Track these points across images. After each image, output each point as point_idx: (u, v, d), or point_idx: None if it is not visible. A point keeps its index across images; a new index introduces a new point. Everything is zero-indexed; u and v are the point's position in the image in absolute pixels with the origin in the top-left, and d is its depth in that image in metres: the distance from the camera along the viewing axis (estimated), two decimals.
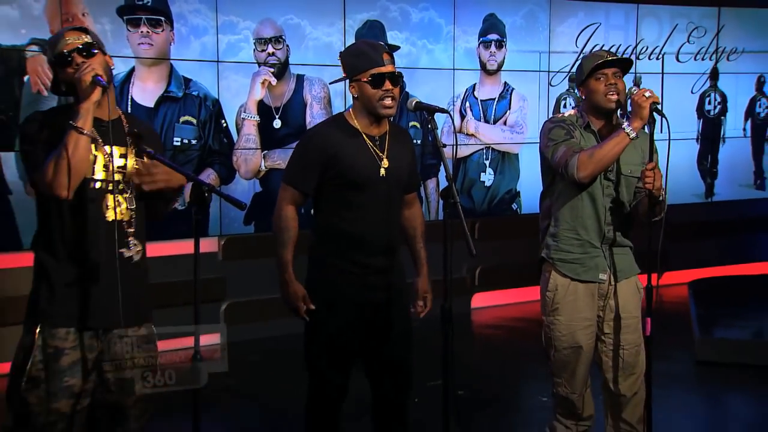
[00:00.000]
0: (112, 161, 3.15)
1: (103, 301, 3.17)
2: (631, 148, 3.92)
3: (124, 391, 3.25)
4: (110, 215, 3.16)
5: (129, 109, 6.48)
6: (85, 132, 3.00)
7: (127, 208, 3.21)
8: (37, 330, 3.14)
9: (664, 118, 3.89)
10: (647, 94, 3.84)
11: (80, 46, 3.14)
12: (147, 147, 3.18)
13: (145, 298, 3.33)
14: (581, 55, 8.42)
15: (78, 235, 3.15)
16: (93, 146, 3.11)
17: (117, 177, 3.18)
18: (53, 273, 3.18)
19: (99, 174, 3.15)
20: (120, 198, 3.19)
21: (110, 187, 3.16)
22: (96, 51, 3.16)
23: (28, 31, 6.00)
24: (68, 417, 3.16)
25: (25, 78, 5.97)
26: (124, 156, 3.21)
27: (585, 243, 4.06)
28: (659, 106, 3.87)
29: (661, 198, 3.87)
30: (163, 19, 6.60)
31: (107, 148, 3.14)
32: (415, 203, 4.06)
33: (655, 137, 4.00)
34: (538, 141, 4.12)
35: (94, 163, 3.13)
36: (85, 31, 3.25)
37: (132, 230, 3.22)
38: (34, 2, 6.08)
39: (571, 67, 8.49)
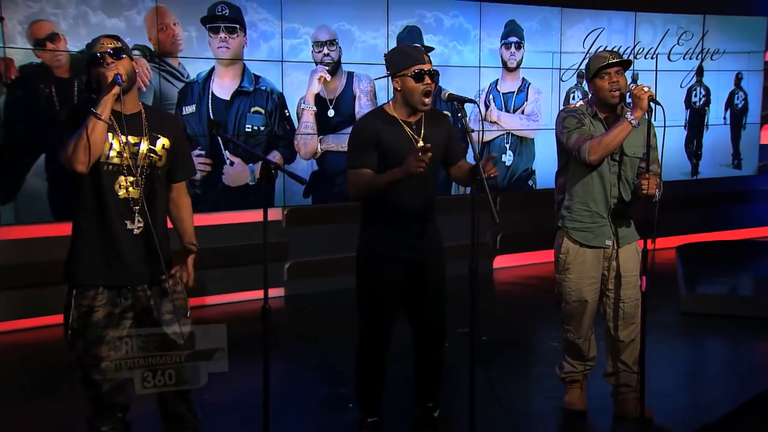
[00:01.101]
0: (127, 148, 3.17)
1: (116, 264, 3.19)
2: (633, 132, 3.93)
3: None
4: (122, 193, 3.18)
5: (209, 101, 6.52)
6: (102, 118, 3.02)
7: (135, 188, 3.20)
8: (71, 292, 3.20)
9: (660, 107, 3.90)
10: (645, 88, 3.88)
11: (110, 50, 3.15)
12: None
13: (153, 262, 3.25)
14: (588, 55, 8.38)
15: (96, 209, 3.18)
16: (111, 134, 3.12)
17: (128, 162, 3.19)
18: (79, 241, 3.23)
19: (113, 157, 3.16)
20: (130, 179, 3.19)
21: (122, 170, 3.18)
22: (123, 55, 3.16)
23: (132, 38, 6.03)
24: (109, 360, 3.16)
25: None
26: (137, 144, 3.21)
27: (594, 214, 4.08)
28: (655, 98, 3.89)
29: (655, 200, 3.91)
30: (238, 26, 6.62)
31: (123, 137, 3.16)
32: (464, 163, 3.97)
33: (652, 124, 4.02)
34: (554, 128, 4.14)
35: (110, 148, 3.14)
36: (117, 38, 3.25)
37: (137, 207, 3.21)
38: (136, 15, 6.15)
39: (579, 65, 8.46)
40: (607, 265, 4.14)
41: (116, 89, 3.04)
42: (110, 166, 3.15)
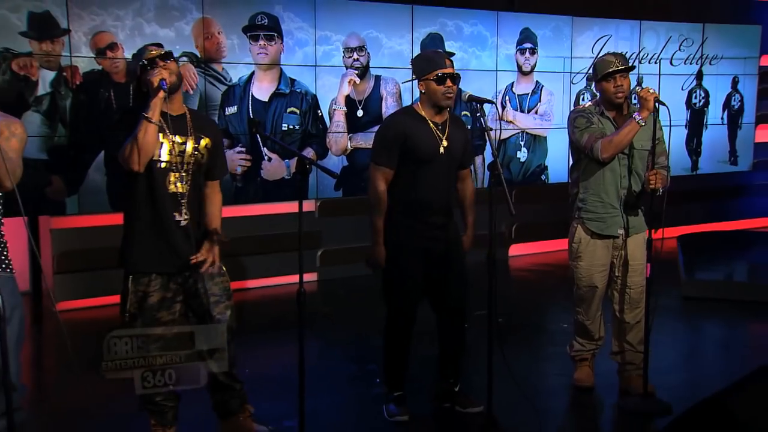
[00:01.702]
0: (175, 147, 3.19)
1: (167, 252, 3.21)
2: (642, 128, 3.89)
3: (205, 315, 3.30)
4: (171, 188, 3.20)
5: (249, 102, 6.53)
6: (153, 121, 3.04)
7: (183, 184, 3.22)
8: (127, 278, 3.23)
9: (666, 107, 3.89)
10: (651, 90, 3.88)
11: (156, 57, 3.16)
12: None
13: (198, 249, 3.27)
14: (596, 58, 8.29)
15: (149, 202, 3.20)
16: (161, 134, 3.13)
17: (176, 160, 3.21)
18: (132, 232, 3.25)
19: (164, 156, 3.18)
20: (178, 175, 3.21)
21: (172, 168, 3.20)
22: (168, 61, 3.17)
23: (181, 46, 6.08)
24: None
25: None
26: (184, 143, 3.22)
27: (606, 205, 4.05)
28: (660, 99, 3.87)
29: (659, 193, 3.89)
30: (275, 34, 6.62)
31: (171, 137, 3.18)
32: (468, 178, 4.02)
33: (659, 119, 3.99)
34: (566, 127, 4.12)
35: (161, 147, 3.15)
36: (161, 46, 3.28)
37: (184, 201, 3.23)
38: (185, 25, 6.17)
39: (589, 69, 8.37)
40: (616, 254, 4.12)
41: (162, 93, 3.06)
42: (162, 164, 3.17)
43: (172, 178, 3.21)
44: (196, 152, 3.25)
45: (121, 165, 3.12)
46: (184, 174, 3.22)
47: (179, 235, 3.21)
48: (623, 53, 4.24)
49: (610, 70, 3.93)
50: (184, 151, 3.22)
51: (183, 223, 3.23)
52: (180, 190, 3.22)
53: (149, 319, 3.19)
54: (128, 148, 3.05)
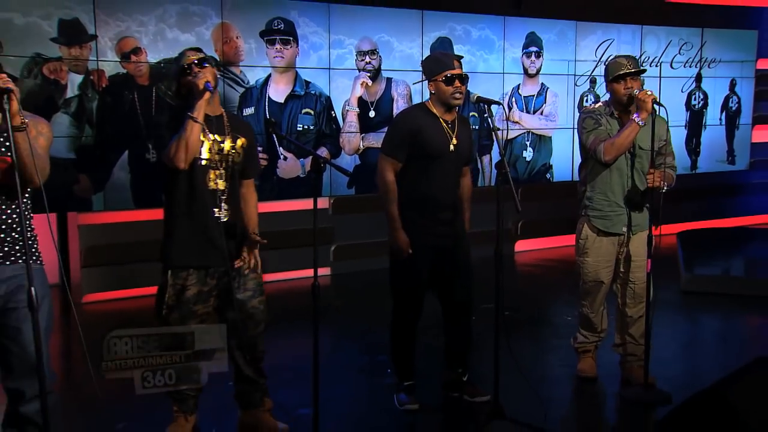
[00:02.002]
0: (214, 145, 3.20)
1: (206, 247, 3.21)
2: (647, 129, 3.86)
3: (239, 309, 3.31)
4: (212, 185, 3.20)
5: (266, 103, 6.55)
6: (198, 121, 3.04)
7: (223, 181, 3.23)
8: (166, 272, 3.23)
9: (663, 107, 3.88)
10: (648, 92, 3.84)
11: (196, 61, 3.17)
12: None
13: (236, 246, 3.31)
14: (599, 62, 8.36)
15: (190, 199, 3.20)
16: (201, 134, 3.14)
17: (216, 157, 3.21)
18: (173, 228, 3.24)
19: (204, 154, 3.18)
20: (218, 173, 3.21)
21: (212, 165, 3.20)
22: (207, 64, 3.18)
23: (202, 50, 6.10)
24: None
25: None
26: (222, 142, 3.22)
27: (613, 203, 4.03)
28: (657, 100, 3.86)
29: (662, 191, 3.88)
30: (291, 38, 6.63)
31: (211, 136, 3.18)
32: (468, 174, 3.98)
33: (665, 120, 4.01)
34: (575, 127, 4.09)
35: (202, 146, 3.16)
36: (200, 50, 3.29)
37: (224, 197, 3.23)
38: (205, 30, 6.20)
39: (592, 72, 8.41)
40: (621, 250, 4.10)
41: (207, 95, 3.07)
42: (202, 161, 3.18)
43: (212, 176, 3.21)
44: (233, 151, 3.26)
45: (166, 163, 3.13)
46: (223, 171, 3.22)
47: (218, 231, 3.21)
48: (635, 56, 4.20)
49: (621, 72, 3.91)
50: (222, 150, 3.23)
51: (223, 218, 3.23)
52: (219, 187, 3.22)
53: (186, 312, 3.20)
54: (173, 147, 3.05)
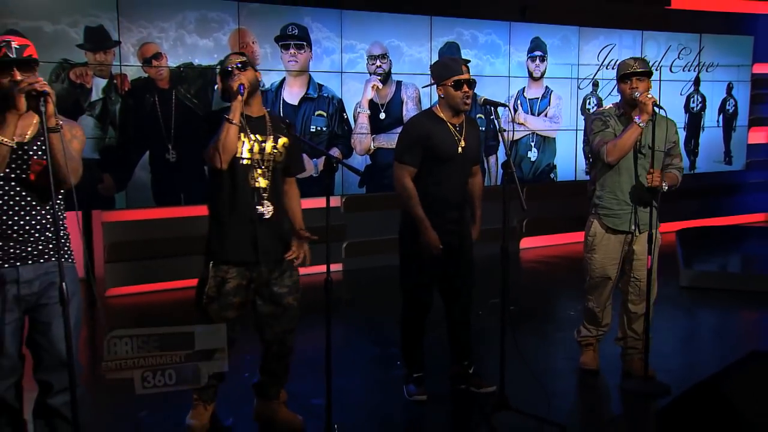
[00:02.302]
0: (256, 145, 3.20)
1: (248, 243, 3.21)
2: (657, 131, 3.83)
3: (274, 303, 3.33)
4: (254, 183, 3.20)
5: (280, 106, 6.55)
6: (234, 122, 3.05)
7: (264, 179, 3.22)
8: (209, 265, 3.23)
9: (662, 109, 3.86)
10: (649, 95, 3.83)
11: (236, 64, 3.18)
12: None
13: (278, 243, 3.30)
14: (601, 66, 8.34)
15: (232, 196, 3.19)
16: (242, 134, 3.14)
17: (257, 157, 3.21)
18: (217, 224, 3.24)
19: (245, 153, 3.18)
20: (260, 171, 3.21)
21: (254, 163, 3.20)
22: (247, 68, 3.19)
23: (219, 55, 6.08)
24: (234, 321, 3.26)
25: (215, 87, 6.07)
26: (264, 142, 3.22)
27: (621, 201, 4.01)
28: (657, 102, 3.85)
29: (662, 190, 3.86)
30: (305, 43, 6.63)
31: (252, 136, 3.18)
32: (478, 173, 3.98)
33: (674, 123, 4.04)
34: (579, 129, 4.07)
35: (242, 145, 3.16)
36: (243, 54, 3.29)
37: (266, 195, 3.22)
38: (222, 36, 6.18)
39: (594, 75, 8.36)
40: (627, 248, 4.08)
41: (240, 97, 3.07)
42: (244, 161, 3.18)
43: (254, 174, 3.20)
44: (275, 150, 3.26)
45: (207, 163, 3.14)
46: (265, 170, 3.22)
47: (261, 228, 3.21)
48: (646, 59, 4.17)
49: (627, 72, 3.89)
50: (264, 149, 3.23)
51: (267, 215, 3.23)
52: (262, 185, 3.22)
53: (225, 303, 3.21)
54: (212, 148, 3.06)
